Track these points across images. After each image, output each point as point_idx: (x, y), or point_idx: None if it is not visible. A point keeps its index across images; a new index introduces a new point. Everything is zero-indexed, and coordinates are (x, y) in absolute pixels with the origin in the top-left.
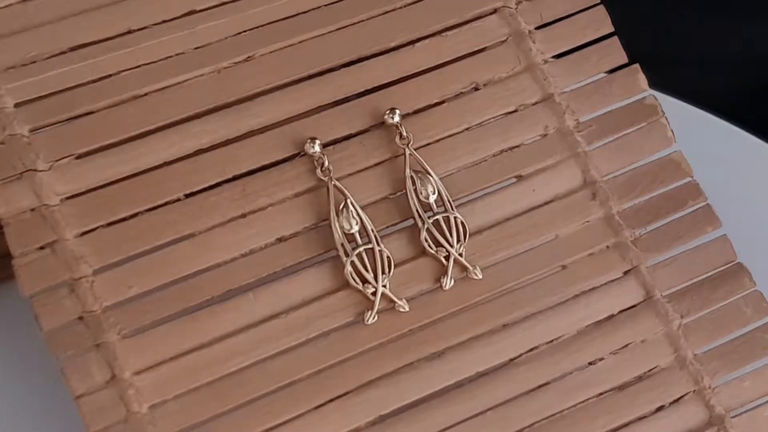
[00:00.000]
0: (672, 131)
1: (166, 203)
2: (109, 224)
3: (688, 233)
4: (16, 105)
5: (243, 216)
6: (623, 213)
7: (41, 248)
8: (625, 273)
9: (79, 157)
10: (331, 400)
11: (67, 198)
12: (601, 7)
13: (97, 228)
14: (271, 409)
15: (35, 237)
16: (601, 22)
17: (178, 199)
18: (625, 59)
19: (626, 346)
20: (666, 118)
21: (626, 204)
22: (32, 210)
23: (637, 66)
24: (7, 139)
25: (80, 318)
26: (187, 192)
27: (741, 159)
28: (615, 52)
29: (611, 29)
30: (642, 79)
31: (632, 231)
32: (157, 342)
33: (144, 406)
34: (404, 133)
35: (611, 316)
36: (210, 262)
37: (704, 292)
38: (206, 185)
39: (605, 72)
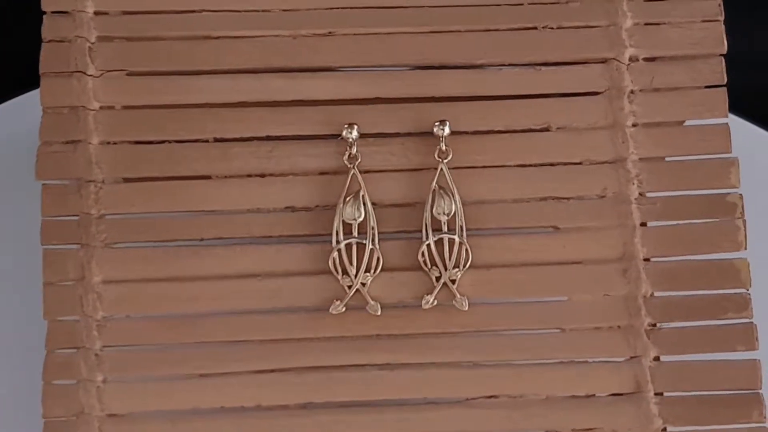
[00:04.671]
0: (745, 236)
1: (194, 140)
2: (135, 142)
3: (714, 345)
4: (95, 13)
5: (262, 176)
6: (651, 300)
7: (66, 143)
8: (624, 360)
9: (130, 74)
10: (272, 371)
11: (106, 108)
12: (723, 90)
13: (122, 142)
14: (213, 358)
15: (64, 131)
16: (716, 104)
17: (207, 141)
18: (728, 150)
19: (592, 429)
20: (744, 221)
21: (659, 292)
22: (71, 108)
23: (736, 159)
24: (73, 39)
25: (76, 216)
26: (218, 137)
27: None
28: (719, 139)
29: (724, 115)
30: (735, 174)
31: (651, 321)
32: (134, 261)
33: (99, 313)
34: (443, 147)
35: (590, 396)
36: (215, 207)
37: (704, 408)
38: (237, 136)
39: (699, 155)
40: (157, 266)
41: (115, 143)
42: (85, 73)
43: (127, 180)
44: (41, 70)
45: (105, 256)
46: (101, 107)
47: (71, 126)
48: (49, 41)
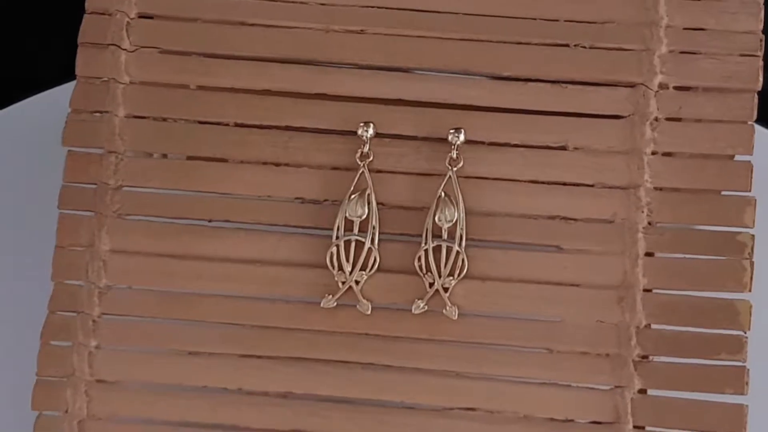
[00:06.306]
0: (751, 279)
1: (215, 123)
2: (158, 119)
3: (702, 384)
4: None
5: (276, 165)
6: (644, 332)
7: (94, 113)
8: (608, 388)
9: (163, 52)
10: (258, 357)
11: (136, 83)
12: (750, 127)
13: (147, 117)
14: (203, 337)
15: (94, 102)
16: (742, 141)
17: (227, 124)
18: (748, 188)
19: None
20: (752, 263)
21: (654, 325)
22: (103, 80)
23: (753, 199)
24: (114, 12)
25: (94, 184)
26: (238, 122)
27: None
28: (739, 176)
29: (749, 153)
30: (750, 214)
31: (642, 352)
32: (142, 234)
33: (102, 281)
34: (454, 155)
35: (569, 421)
36: (227, 189)
37: None
38: (257, 123)
39: (716, 191)
40: (164, 242)
41: (140, 117)
42: (119, 47)
43: (146, 155)
44: (79, 40)
45: (116, 226)
46: (131, 81)
47: (101, 97)
48: (91, 13)
